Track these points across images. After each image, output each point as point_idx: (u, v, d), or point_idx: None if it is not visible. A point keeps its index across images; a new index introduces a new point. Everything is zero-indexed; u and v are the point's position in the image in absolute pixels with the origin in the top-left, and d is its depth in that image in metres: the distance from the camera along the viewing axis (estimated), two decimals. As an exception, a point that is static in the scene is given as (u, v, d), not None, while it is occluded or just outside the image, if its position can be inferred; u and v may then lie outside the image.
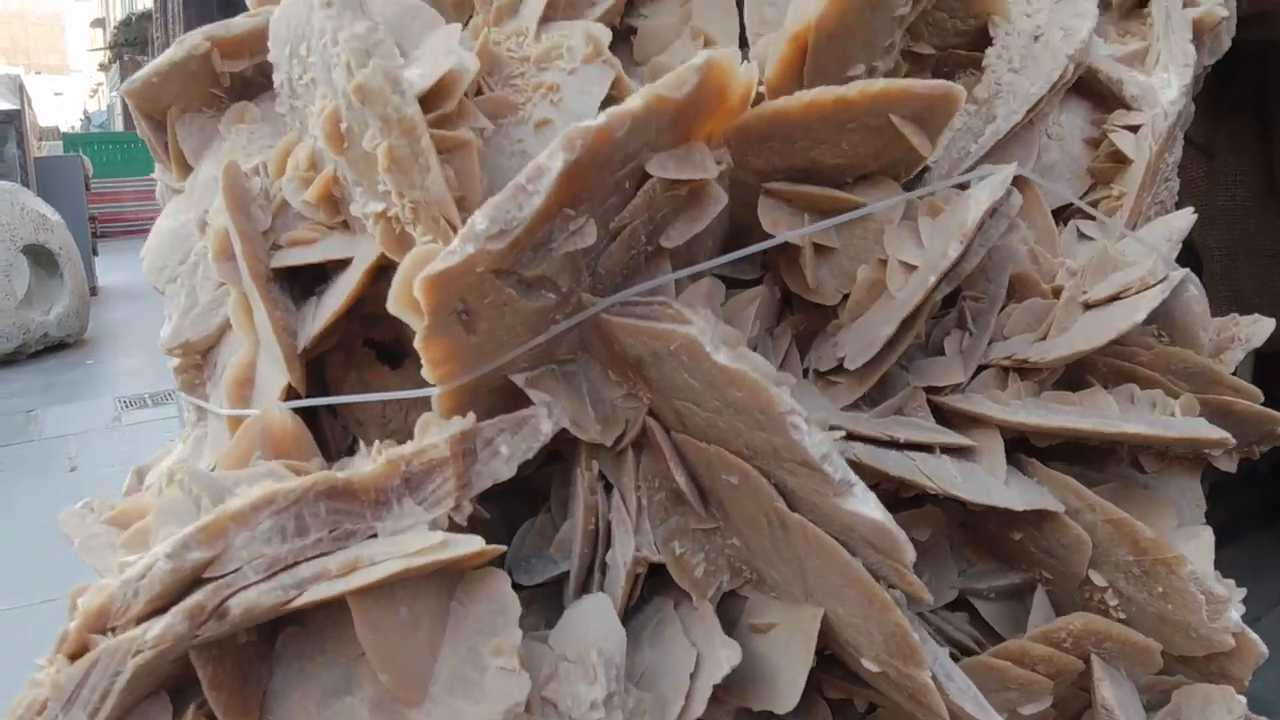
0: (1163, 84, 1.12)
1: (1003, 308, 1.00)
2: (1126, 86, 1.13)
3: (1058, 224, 1.16)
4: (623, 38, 1.06)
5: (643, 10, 1.07)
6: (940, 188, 0.90)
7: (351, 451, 1.02)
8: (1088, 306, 0.98)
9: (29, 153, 6.84)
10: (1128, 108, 1.14)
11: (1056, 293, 1.00)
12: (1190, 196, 2.00)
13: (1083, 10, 1.11)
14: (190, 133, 1.08)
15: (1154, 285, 0.97)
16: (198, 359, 1.03)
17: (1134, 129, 1.12)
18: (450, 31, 0.90)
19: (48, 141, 10.61)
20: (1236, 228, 2.03)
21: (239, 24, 1.02)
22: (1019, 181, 1.09)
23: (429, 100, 0.75)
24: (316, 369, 0.97)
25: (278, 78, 0.95)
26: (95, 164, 9.68)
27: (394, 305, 0.75)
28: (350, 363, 1.03)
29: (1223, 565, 0.95)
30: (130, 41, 11.25)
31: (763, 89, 0.88)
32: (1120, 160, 1.12)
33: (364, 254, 0.89)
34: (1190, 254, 2.17)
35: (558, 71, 0.92)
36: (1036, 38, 1.10)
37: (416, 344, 0.75)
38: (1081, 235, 1.13)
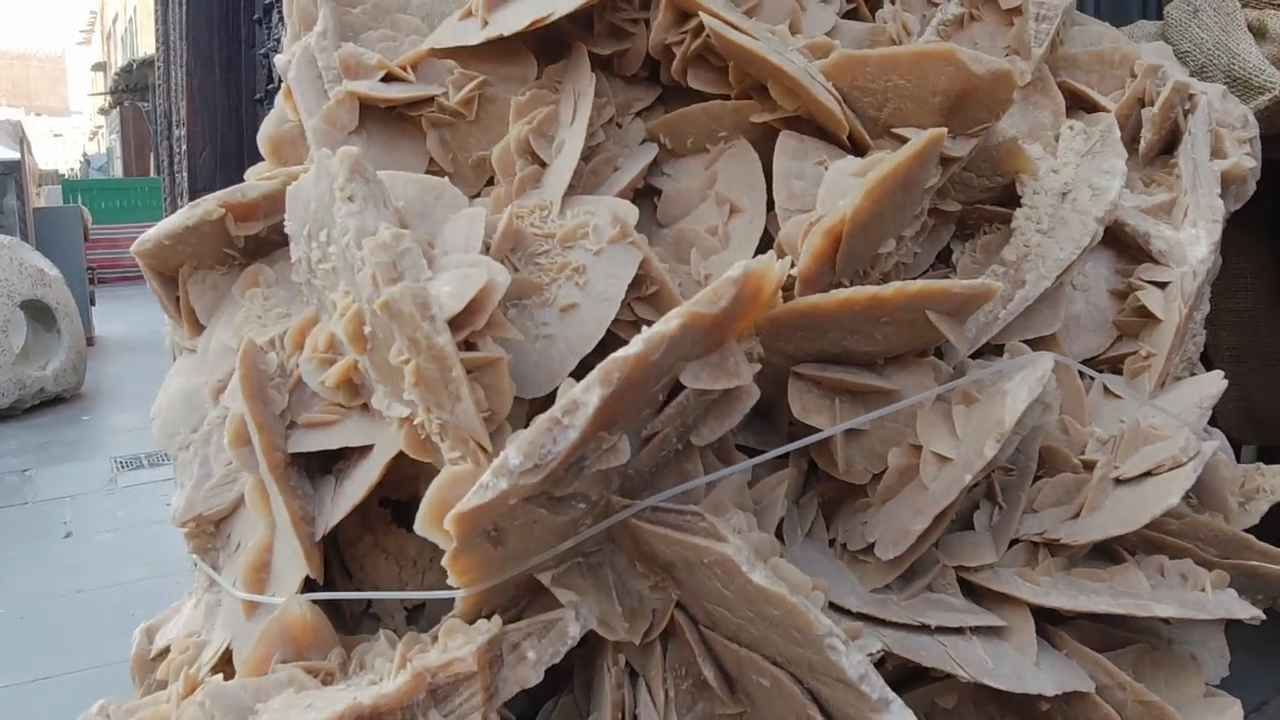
0: (1191, 240, 1.10)
1: (1034, 480, 0.98)
2: (1154, 241, 1.12)
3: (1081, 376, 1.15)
4: (646, 197, 1.05)
5: (666, 169, 1.05)
6: (976, 378, 0.88)
7: (367, 614, 1.00)
8: (1119, 482, 0.97)
9: (28, 204, 6.81)
10: (1155, 261, 1.13)
11: (1088, 466, 0.99)
12: (1201, 297, 1.98)
13: (1111, 168, 1.10)
14: (203, 290, 1.06)
15: (1186, 463, 0.95)
16: (210, 528, 1.01)
17: (1161, 285, 1.11)
18: (475, 215, 0.88)
19: (47, 186, 10.60)
20: (1247, 330, 2.01)
21: (255, 189, 1.01)
22: (1051, 342, 1.08)
23: (459, 320, 0.73)
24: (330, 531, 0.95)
25: (295, 252, 0.93)
26: (94, 210, 9.67)
27: (422, 527, 0.74)
28: (365, 524, 1.01)
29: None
30: (131, 87, 11.26)
31: (793, 273, 0.87)
32: (1148, 316, 1.11)
33: (385, 443, 0.87)
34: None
35: (583, 252, 0.91)
36: (1065, 194, 1.09)
37: (444, 561, 0.73)
38: (1108, 392, 1.12)
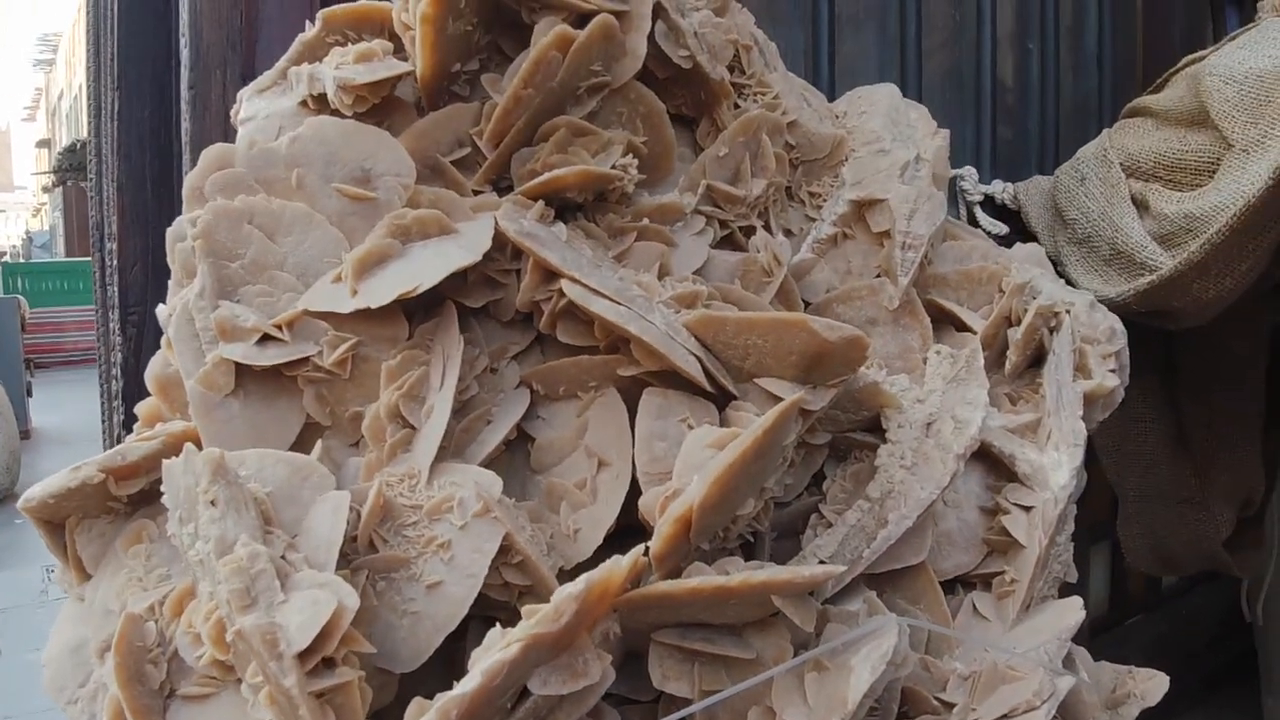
0: (1054, 464, 1.15)
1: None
2: (1019, 464, 1.16)
3: (953, 591, 1.19)
4: (521, 445, 1.08)
5: (541, 413, 1.08)
6: (829, 647, 0.91)
7: None
8: (978, 726, 1.00)
9: (-41, 298, 6.77)
10: (1020, 483, 1.17)
11: (948, 706, 1.02)
12: (1104, 436, 2.04)
13: (974, 399, 1.14)
14: (89, 540, 1.07)
15: (1040, 705, 0.99)
16: (94, 788, 1.01)
17: (1026, 509, 1.15)
18: (340, 504, 0.91)
19: (-13, 266, 10.53)
20: (1150, 472, 2.07)
21: (135, 450, 1.03)
22: (919, 570, 1.12)
23: (310, 650, 0.75)
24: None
25: (170, 524, 0.95)
26: (36, 292, 9.60)
27: None
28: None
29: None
30: (75, 166, 11.25)
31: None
32: (1012, 538, 1.15)
33: (254, 724, 0.88)
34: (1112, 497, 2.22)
35: (449, 526, 0.93)
36: (930, 424, 1.13)
37: None
38: (977, 612, 1.15)
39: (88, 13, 2.61)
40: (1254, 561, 2.19)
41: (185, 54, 1.44)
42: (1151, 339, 1.88)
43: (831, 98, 1.81)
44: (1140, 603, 2.83)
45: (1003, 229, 1.98)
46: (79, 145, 11.41)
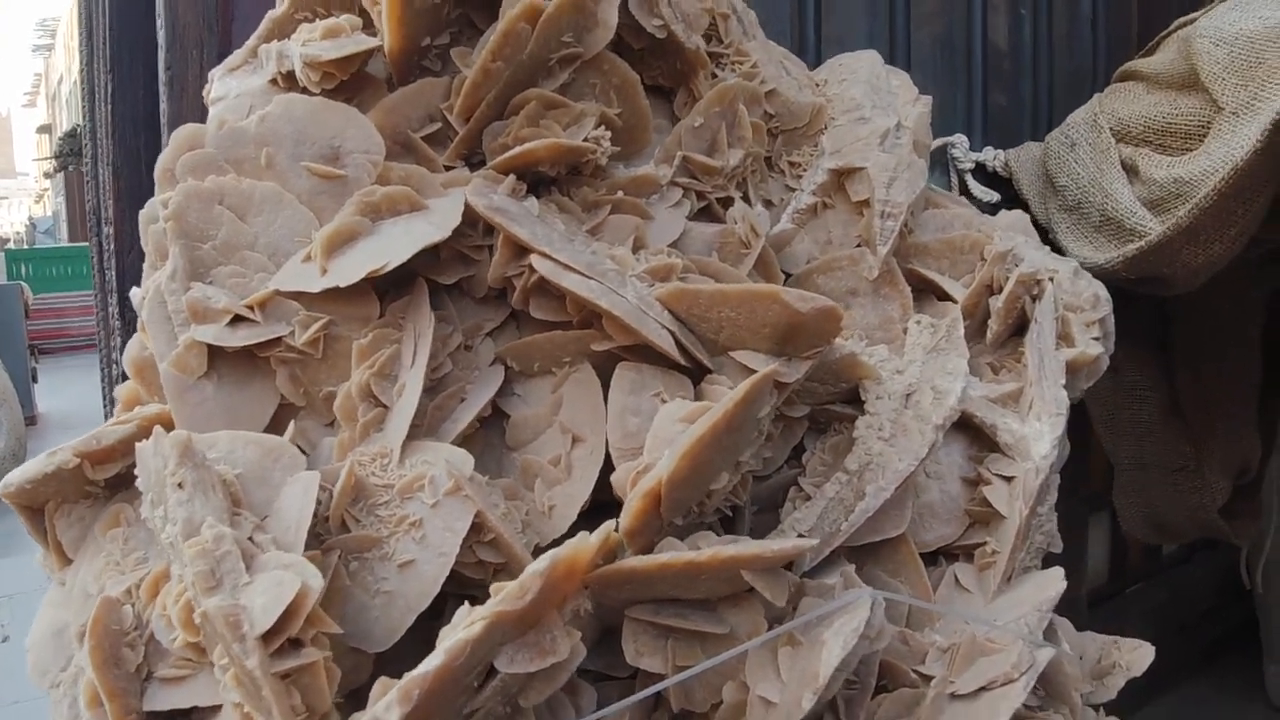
0: (1035, 435, 1.14)
1: (874, 694, 1.01)
2: (1000, 434, 1.16)
3: (936, 563, 1.18)
4: (497, 421, 1.08)
5: (517, 389, 1.08)
6: (803, 620, 0.91)
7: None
8: (955, 697, 0.99)
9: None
10: (1002, 453, 1.16)
11: (926, 679, 1.02)
12: (1098, 406, 2.03)
13: (954, 368, 1.13)
14: (69, 524, 1.07)
15: (1019, 678, 0.98)
16: (75, 769, 1.01)
17: (1008, 479, 1.14)
18: (309, 483, 0.91)
19: (-10, 253, 10.54)
20: (1146, 440, 2.06)
21: (110, 434, 1.02)
22: (900, 541, 1.11)
23: (274, 631, 0.75)
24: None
25: (143, 507, 0.95)
26: (39, 278, 9.60)
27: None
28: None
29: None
30: (75, 151, 11.22)
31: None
32: (994, 509, 1.14)
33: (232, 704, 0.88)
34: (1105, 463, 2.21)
35: (420, 505, 0.93)
36: (909, 395, 1.12)
37: None
38: (959, 584, 1.15)
39: (79, -5, 2.59)
40: (1250, 529, 2.18)
41: (161, 35, 1.43)
42: (1145, 307, 1.86)
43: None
44: (1140, 571, 2.82)
45: (994, 196, 1.97)
46: (79, 130, 11.40)
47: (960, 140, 1.94)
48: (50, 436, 6.62)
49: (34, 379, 7.13)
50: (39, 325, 8.45)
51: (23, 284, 7.53)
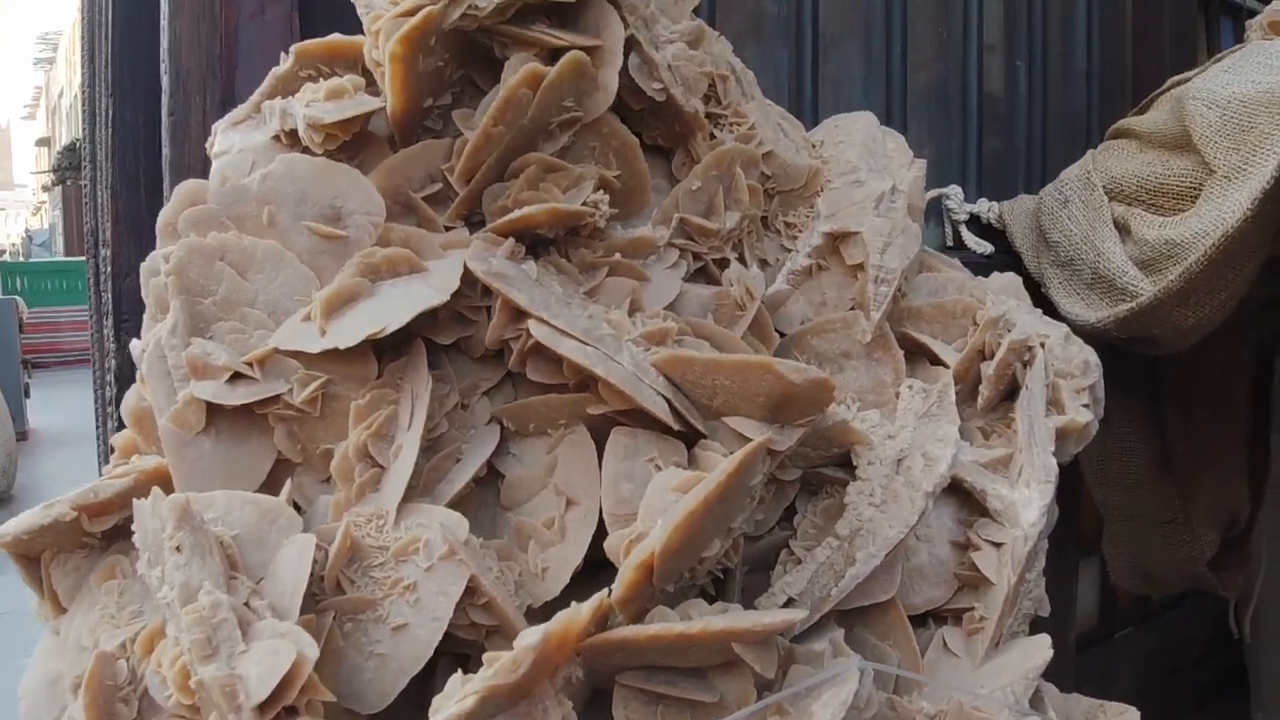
0: (1024, 501, 1.15)
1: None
2: (990, 499, 1.17)
3: (925, 625, 1.19)
4: (493, 481, 1.08)
5: (512, 449, 1.09)
6: (791, 692, 0.92)
7: None
8: (943, 764, 1.00)
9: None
10: (991, 519, 1.17)
11: (916, 745, 1.02)
12: (1088, 456, 2.05)
13: (945, 435, 1.14)
14: (64, 574, 1.08)
15: (1006, 748, 0.99)
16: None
17: (997, 545, 1.15)
18: (305, 546, 0.92)
19: (-14, 265, 10.54)
20: (1135, 491, 2.07)
21: (108, 488, 1.03)
22: (889, 606, 1.12)
23: (270, 701, 0.76)
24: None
25: (140, 564, 0.96)
26: (35, 291, 9.61)
27: None
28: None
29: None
30: (74, 165, 11.26)
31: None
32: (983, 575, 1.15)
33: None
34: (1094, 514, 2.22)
35: (415, 568, 0.94)
36: (900, 460, 1.13)
37: None
38: (947, 648, 1.16)
39: (83, 16, 2.61)
40: (1238, 580, 2.20)
41: (165, 80, 1.44)
42: (1137, 360, 1.88)
43: (815, 114, 1.83)
44: (1129, 616, 2.83)
45: (988, 248, 1.99)
46: (78, 144, 11.43)
47: (955, 191, 1.96)
48: (42, 452, 6.62)
49: (26, 394, 7.12)
50: (33, 339, 8.44)
51: (17, 298, 7.54)
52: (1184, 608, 2.97)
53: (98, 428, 2.57)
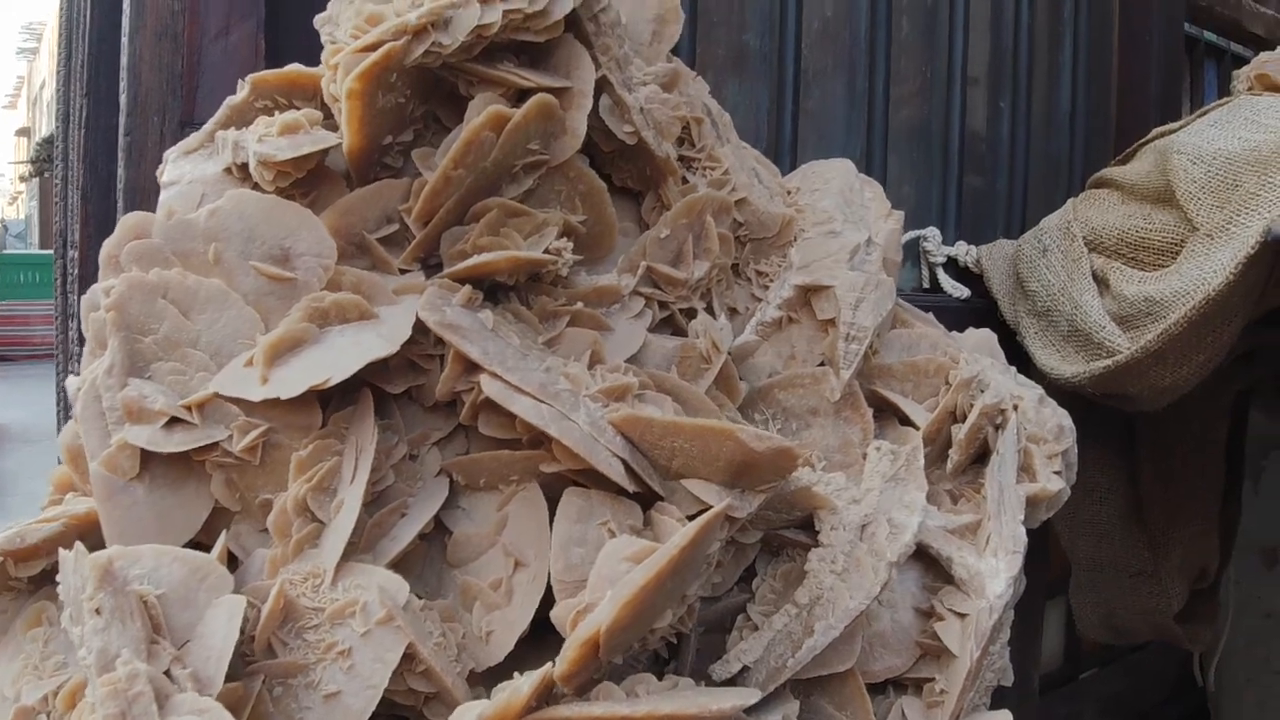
0: (991, 572, 1.12)
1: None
2: (956, 568, 1.13)
3: (884, 693, 1.16)
4: (439, 536, 1.04)
5: (462, 503, 1.05)
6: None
7: None
8: None
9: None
10: (957, 587, 1.14)
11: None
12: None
13: (911, 502, 1.11)
14: (-13, 619, 1.03)
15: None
16: None
17: (961, 616, 1.12)
18: (235, 609, 0.87)
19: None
20: (1103, 542, 2.04)
21: (35, 533, 0.98)
22: (848, 676, 1.09)
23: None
24: None
25: (63, 618, 0.91)
26: (4, 285, 9.46)
27: None
28: None
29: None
30: (51, 158, 11.10)
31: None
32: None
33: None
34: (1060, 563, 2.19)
35: (350, 632, 0.89)
36: (864, 526, 1.10)
37: None
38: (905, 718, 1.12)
39: (61, 14, 2.56)
40: (1206, 634, 2.17)
41: (123, 99, 1.40)
42: (1111, 410, 1.85)
43: (795, 150, 1.79)
44: (1094, 658, 2.81)
45: (965, 292, 1.96)
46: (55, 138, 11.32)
47: (933, 233, 1.93)
48: (8, 449, 6.53)
49: (-8, 390, 7.02)
50: (2, 332, 8.32)
51: (-13, 294, 7.44)
52: (1150, 650, 2.95)
53: (59, 430, 2.51)
